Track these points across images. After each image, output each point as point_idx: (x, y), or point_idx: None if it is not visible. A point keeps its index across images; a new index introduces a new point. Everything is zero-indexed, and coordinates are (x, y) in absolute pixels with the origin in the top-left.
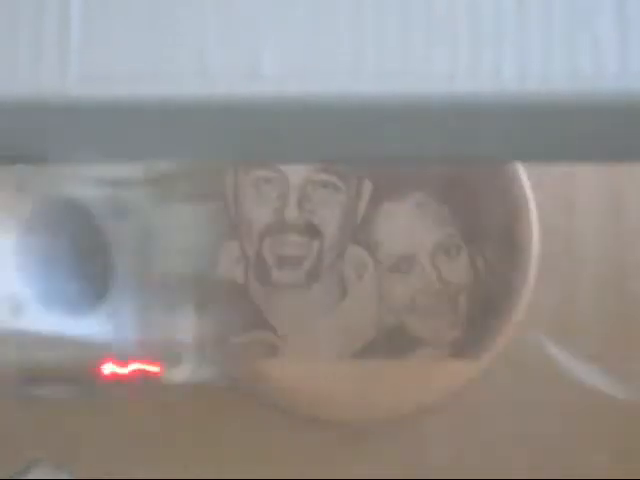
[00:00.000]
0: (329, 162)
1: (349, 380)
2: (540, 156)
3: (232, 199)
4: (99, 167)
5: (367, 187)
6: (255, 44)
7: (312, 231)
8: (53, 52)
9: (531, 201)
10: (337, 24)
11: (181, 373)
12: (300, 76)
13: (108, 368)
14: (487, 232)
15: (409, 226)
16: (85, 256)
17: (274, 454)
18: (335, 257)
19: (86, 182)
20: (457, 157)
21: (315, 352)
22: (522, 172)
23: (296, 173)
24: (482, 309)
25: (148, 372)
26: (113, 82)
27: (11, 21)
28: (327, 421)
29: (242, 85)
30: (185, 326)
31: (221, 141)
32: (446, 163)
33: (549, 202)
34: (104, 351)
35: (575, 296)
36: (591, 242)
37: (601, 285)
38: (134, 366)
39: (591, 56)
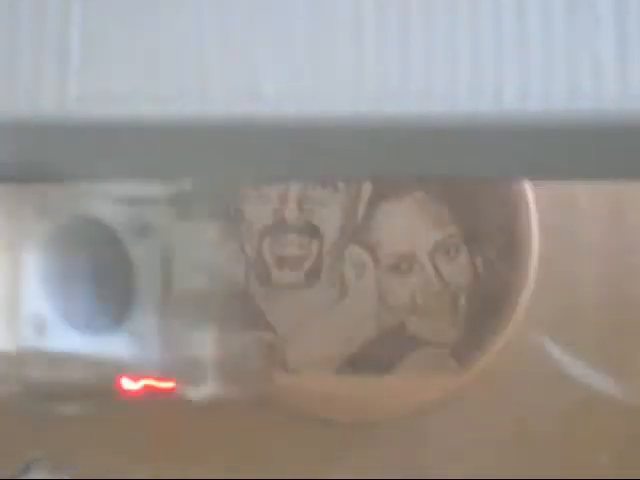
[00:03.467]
0: (329, 180)
1: (349, 380)
2: (540, 175)
3: (232, 199)
4: (120, 185)
5: (367, 187)
6: (254, 64)
7: (312, 231)
8: (53, 72)
9: (531, 201)
10: (336, 44)
11: (201, 391)
12: (299, 96)
13: (127, 385)
14: (487, 232)
15: (409, 226)
16: (107, 274)
17: (274, 454)
18: (335, 257)
19: (107, 200)
20: (458, 175)
21: (315, 352)
22: None
23: None
24: (482, 309)
25: (164, 389)
26: (112, 102)
27: (11, 41)
28: (327, 421)
29: (241, 105)
30: (205, 343)
31: (220, 161)
32: (447, 181)
33: (549, 202)
34: (124, 368)
35: (575, 296)
36: (591, 242)
37: (601, 285)
38: (151, 382)
39: (591, 76)
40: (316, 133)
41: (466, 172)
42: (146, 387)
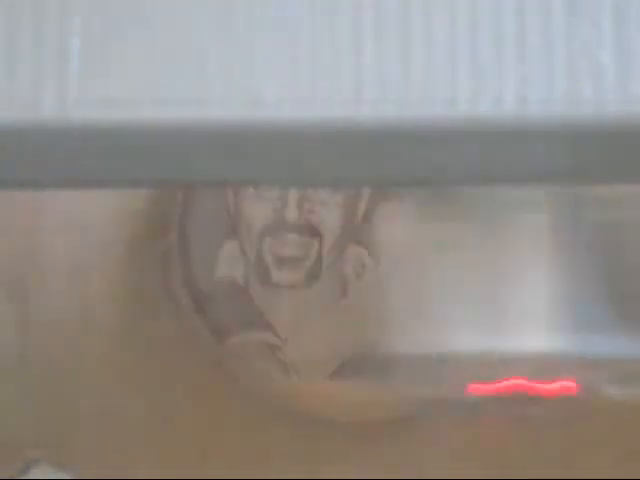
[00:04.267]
0: (329, 187)
1: (349, 380)
2: (540, 179)
3: (232, 199)
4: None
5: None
6: (254, 69)
7: (312, 231)
8: (53, 76)
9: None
10: (337, 51)
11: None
12: (299, 102)
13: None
14: None
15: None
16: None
17: (274, 454)
18: (335, 257)
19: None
20: (458, 180)
21: (315, 352)
22: None
23: None
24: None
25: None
26: (112, 107)
27: (11, 47)
28: (327, 421)
29: (241, 110)
30: None
31: (221, 166)
32: (448, 186)
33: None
34: None
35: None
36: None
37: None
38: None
39: (592, 82)
40: (315, 139)
41: (466, 177)
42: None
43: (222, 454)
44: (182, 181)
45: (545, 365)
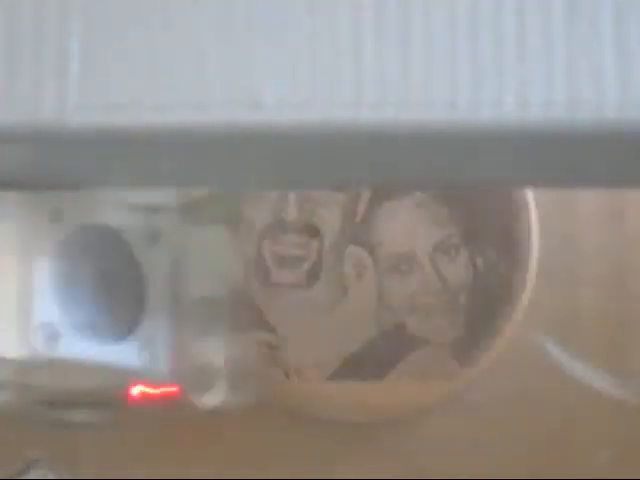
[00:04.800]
0: (329, 189)
1: (349, 380)
2: (541, 183)
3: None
4: (131, 193)
5: None
6: (254, 73)
7: (312, 231)
8: (52, 81)
9: (531, 201)
10: (337, 54)
11: (213, 398)
12: (300, 106)
13: (136, 393)
14: (487, 232)
15: (409, 226)
16: (118, 282)
17: (274, 454)
18: (335, 257)
19: (119, 209)
20: (458, 184)
21: (315, 352)
22: None
23: None
24: (482, 309)
25: (170, 394)
26: (112, 111)
27: (11, 51)
28: (327, 421)
29: (241, 114)
30: (217, 350)
31: (220, 169)
32: (447, 189)
33: (549, 202)
34: (135, 376)
35: (575, 296)
36: (591, 242)
37: (601, 285)
38: (161, 390)
39: (592, 85)
40: (316, 142)
41: (466, 180)
42: (153, 394)
43: (222, 454)
44: (183, 184)
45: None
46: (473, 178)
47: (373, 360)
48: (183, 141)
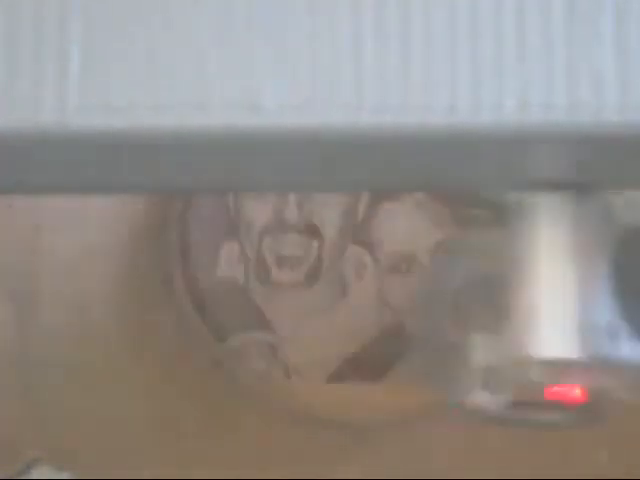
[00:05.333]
0: (329, 191)
1: (349, 380)
2: (540, 185)
3: (232, 199)
4: None
5: None
6: (254, 76)
7: (312, 231)
8: (53, 84)
9: None
10: (337, 57)
11: None
12: (300, 109)
13: None
14: None
15: (409, 226)
16: None
17: (274, 454)
18: (335, 257)
19: None
20: (458, 187)
21: (315, 352)
22: None
23: None
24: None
25: None
26: (112, 113)
27: (11, 53)
28: (327, 421)
29: (241, 117)
30: None
31: (221, 172)
32: (447, 191)
33: None
34: None
35: None
36: None
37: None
38: None
39: (591, 88)
40: (315, 145)
41: (466, 183)
42: None
43: (222, 454)
44: (182, 187)
45: (555, 370)
46: (473, 182)
47: (373, 360)
48: (182, 143)
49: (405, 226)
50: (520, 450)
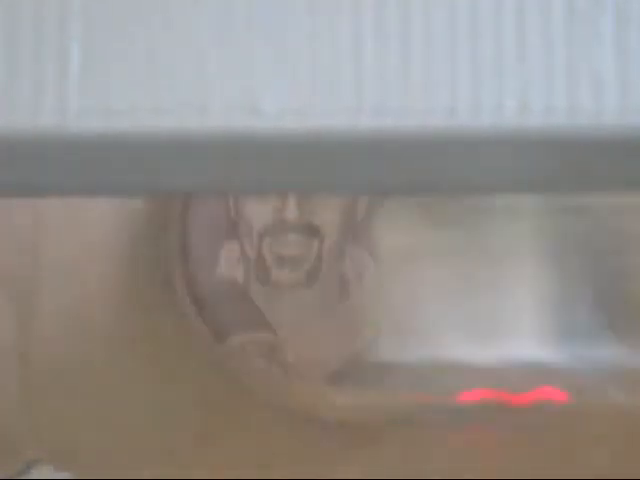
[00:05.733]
0: (329, 195)
1: (349, 380)
2: (540, 189)
3: (232, 199)
4: None
5: None
6: (254, 79)
7: (312, 231)
8: (52, 87)
9: None
10: (336, 59)
11: None
12: (299, 112)
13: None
14: None
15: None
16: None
17: (274, 454)
18: (335, 257)
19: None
20: (457, 190)
21: (315, 352)
22: None
23: None
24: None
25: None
26: (112, 117)
27: (10, 55)
28: (327, 421)
29: (241, 120)
30: None
31: (219, 175)
32: (447, 194)
33: None
34: None
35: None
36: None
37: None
38: None
39: (592, 91)
40: (315, 148)
41: (466, 187)
42: None
43: (222, 454)
44: (182, 189)
45: (532, 373)
46: (472, 184)
47: (373, 360)
48: (183, 146)
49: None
50: (520, 450)
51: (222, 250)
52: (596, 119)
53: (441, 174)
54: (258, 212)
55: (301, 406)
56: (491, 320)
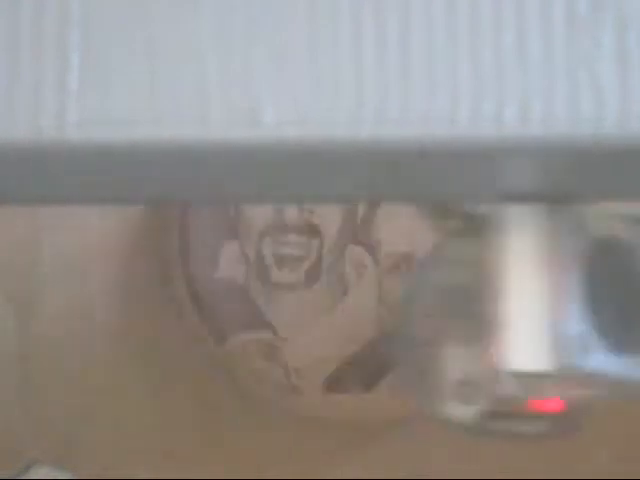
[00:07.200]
0: (329, 204)
1: (349, 380)
2: (541, 197)
3: None
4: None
5: None
6: (254, 89)
7: (312, 231)
8: (52, 97)
9: None
10: (337, 70)
11: None
12: (300, 122)
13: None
14: None
15: (409, 226)
16: (627, 296)
17: (274, 454)
18: (335, 257)
19: (625, 221)
20: (457, 197)
21: (315, 352)
22: None
23: None
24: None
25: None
26: (111, 127)
27: (11, 67)
28: (327, 421)
29: (241, 129)
30: None
31: (219, 183)
32: (447, 202)
33: None
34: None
35: None
36: None
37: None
38: None
39: (592, 99)
40: (315, 157)
41: (466, 194)
42: None
43: (222, 454)
44: (181, 199)
45: (529, 382)
46: (473, 193)
47: (373, 360)
48: (183, 156)
49: (405, 226)
50: (520, 450)
51: (222, 250)
52: (596, 127)
53: (441, 182)
54: (258, 212)
55: (301, 406)
56: (488, 327)
